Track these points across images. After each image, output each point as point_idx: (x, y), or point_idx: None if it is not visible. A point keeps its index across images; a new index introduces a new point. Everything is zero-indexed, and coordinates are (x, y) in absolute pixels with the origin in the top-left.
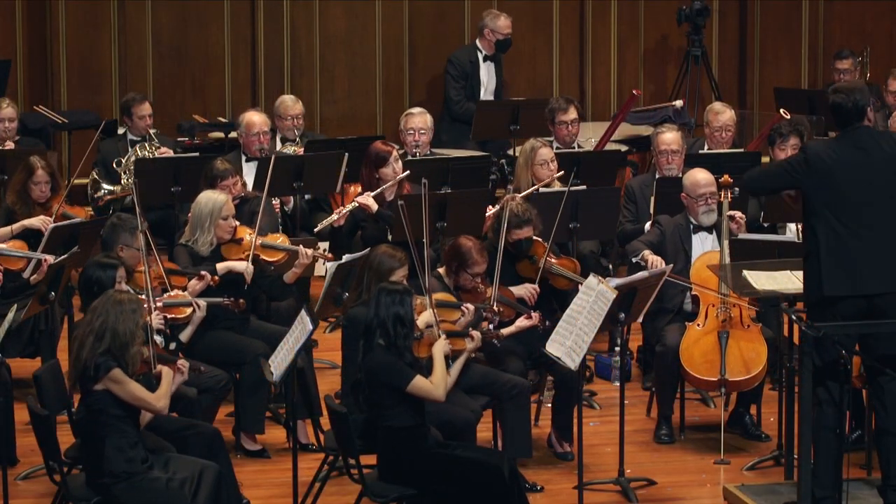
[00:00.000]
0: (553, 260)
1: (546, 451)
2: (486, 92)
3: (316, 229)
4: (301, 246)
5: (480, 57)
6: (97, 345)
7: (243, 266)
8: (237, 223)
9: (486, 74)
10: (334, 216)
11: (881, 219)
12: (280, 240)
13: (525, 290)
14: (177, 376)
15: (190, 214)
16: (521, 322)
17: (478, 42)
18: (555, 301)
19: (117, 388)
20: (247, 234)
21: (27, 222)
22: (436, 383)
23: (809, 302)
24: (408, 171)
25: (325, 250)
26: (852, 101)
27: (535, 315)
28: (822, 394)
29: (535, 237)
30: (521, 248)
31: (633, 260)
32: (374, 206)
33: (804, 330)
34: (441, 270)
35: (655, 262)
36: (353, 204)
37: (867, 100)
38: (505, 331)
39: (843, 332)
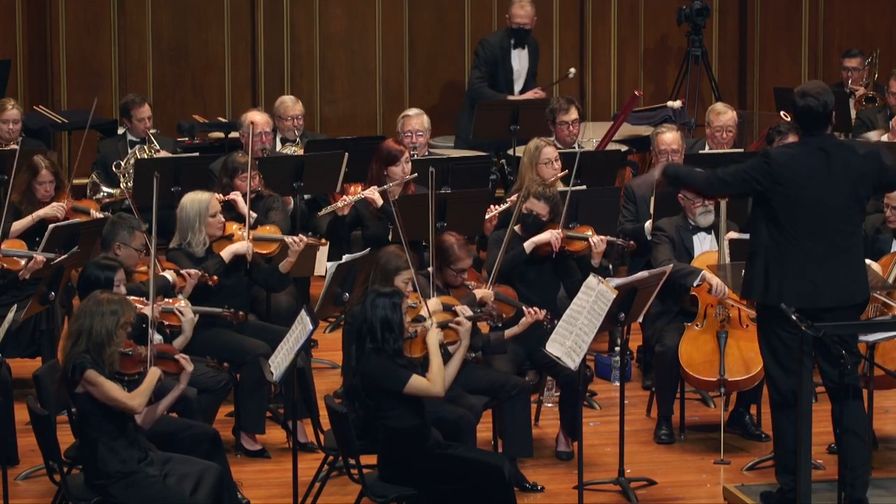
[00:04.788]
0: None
1: (546, 451)
2: (519, 80)
3: (320, 213)
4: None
5: (511, 43)
6: (75, 346)
7: (244, 247)
8: (223, 219)
9: (518, 62)
10: (339, 203)
11: (835, 231)
12: (269, 230)
13: (550, 235)
14: (183, 373)
15: (178, 219)
16: (525, 320)
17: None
18: (580, 271)
19: (93, 390)
20: (236, 229)
21: (42, 212)
22: (433, 379)
23: (756, 302)
24: (416, 174)
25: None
26: (823, 103)
27: (538, 311)
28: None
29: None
30: (534, 223)
31: (695, 284)
32: (380, 201)
33: (804, 330)
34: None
35: (719, 286)
36: (359, 196)
37: (833, 102)
38: (509, 332)
39: (844, 333)
